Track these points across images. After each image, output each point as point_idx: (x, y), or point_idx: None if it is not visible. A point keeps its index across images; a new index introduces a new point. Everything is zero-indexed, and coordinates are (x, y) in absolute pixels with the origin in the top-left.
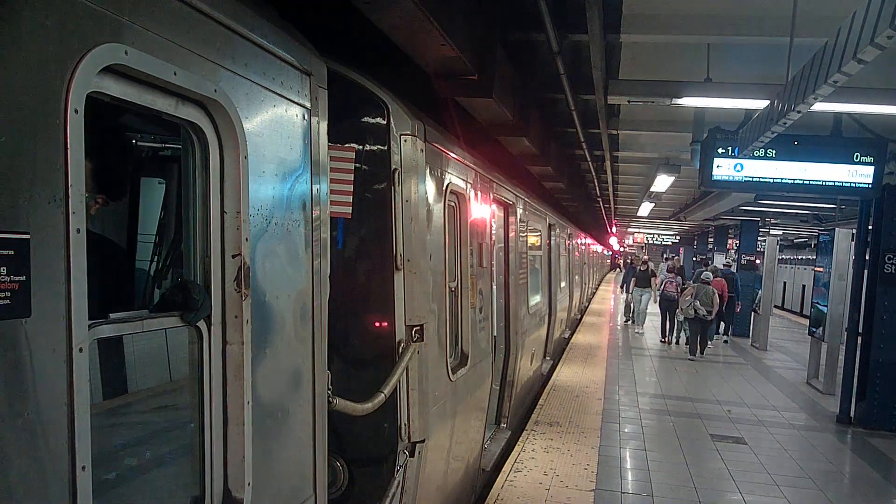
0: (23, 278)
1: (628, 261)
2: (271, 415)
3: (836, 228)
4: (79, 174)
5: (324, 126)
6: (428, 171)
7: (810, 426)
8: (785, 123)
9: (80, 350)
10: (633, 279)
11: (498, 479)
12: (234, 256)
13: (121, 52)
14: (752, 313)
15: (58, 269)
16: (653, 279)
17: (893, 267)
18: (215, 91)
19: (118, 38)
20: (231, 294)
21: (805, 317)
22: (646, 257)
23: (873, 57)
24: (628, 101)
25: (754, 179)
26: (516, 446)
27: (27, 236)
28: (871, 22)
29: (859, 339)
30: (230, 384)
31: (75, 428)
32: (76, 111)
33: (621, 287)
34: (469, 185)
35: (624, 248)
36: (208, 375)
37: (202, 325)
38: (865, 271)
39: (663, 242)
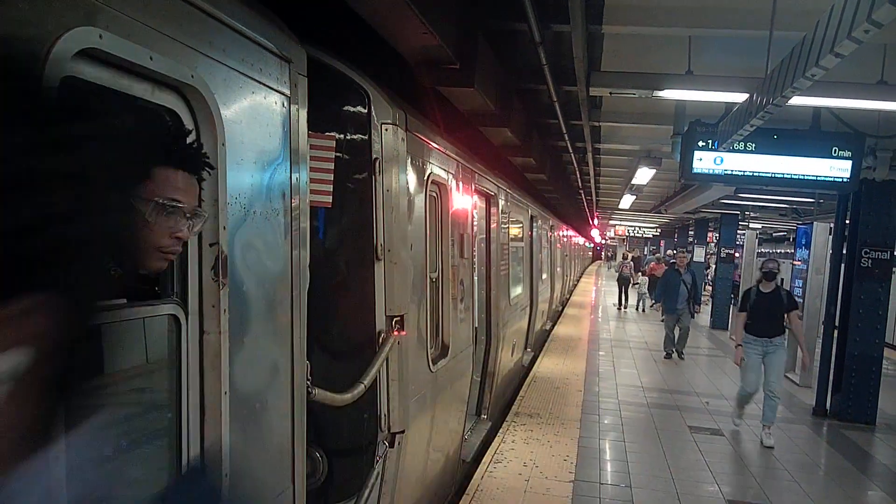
0: None
1: (669, 260)
2: (249, 405)
3: (814, 222)
4: None
5: (303, 114)
6: (409, 160)
7: (787, 418)
8: (763, 117)
9: None
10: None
11: (478, 470)
12: (211, 245)
13: (95, 35)
14: (731, 305)
15: None
16: (793, 314)
17: (870, 261)
18: (192, 77)
19: (93, 22)
20: (208, 283)
21: None
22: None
23: (850, 51)
24: (610, 93)
25: (734, 172)
26: (497, 437)
27: None
28: (849, 16)
29: (835, 332)
30: (207, 374)
31: None
32: None
33: (655, 301)
34: (451, 176)
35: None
36: (185, 365)
37: (179, 314)
38: (842, 265)
39: (644, 235)
